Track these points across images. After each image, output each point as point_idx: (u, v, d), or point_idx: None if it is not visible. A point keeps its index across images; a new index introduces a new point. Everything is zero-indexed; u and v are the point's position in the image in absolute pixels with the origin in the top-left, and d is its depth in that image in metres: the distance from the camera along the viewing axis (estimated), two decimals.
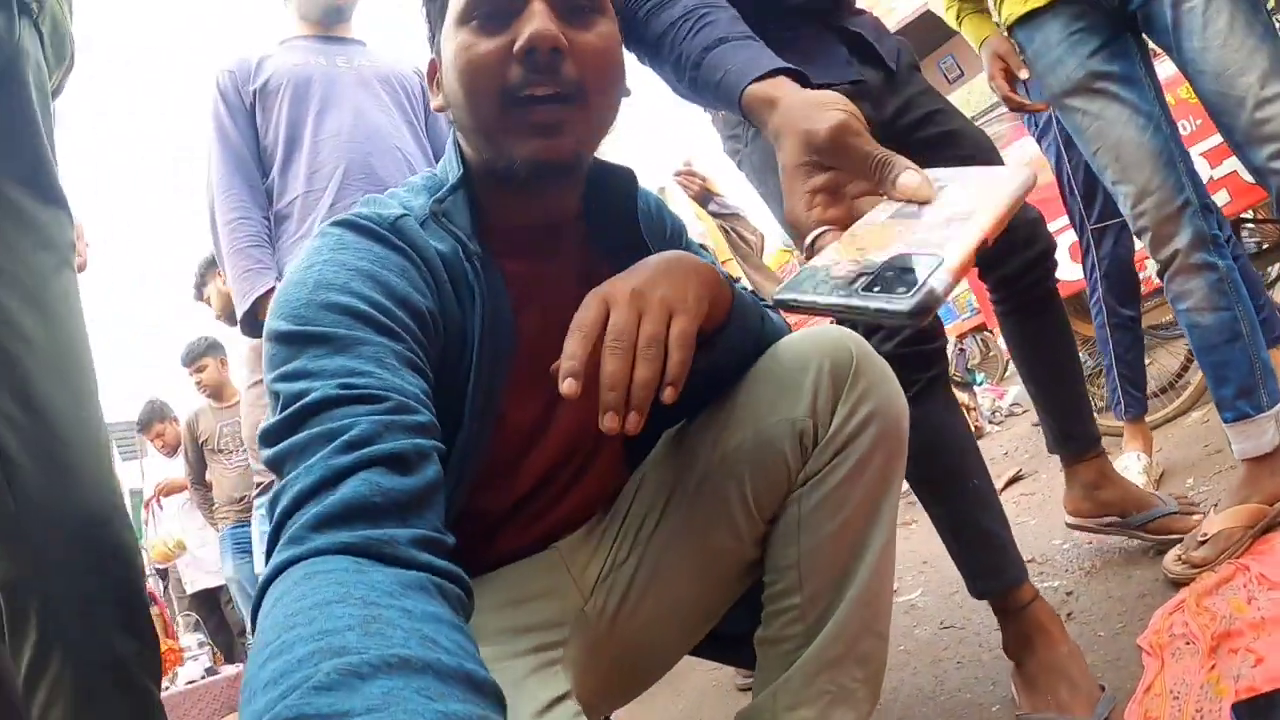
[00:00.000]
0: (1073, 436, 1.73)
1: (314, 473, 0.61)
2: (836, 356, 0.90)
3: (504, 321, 0.89)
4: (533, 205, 0.93)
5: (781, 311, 0.96)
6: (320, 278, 0.77)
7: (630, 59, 1.05)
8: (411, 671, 0.46)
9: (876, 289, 0.60)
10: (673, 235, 1.10)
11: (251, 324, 1.94)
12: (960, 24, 2.04)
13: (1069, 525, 1.84)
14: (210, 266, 3.52)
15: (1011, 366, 4.72)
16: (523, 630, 0.92)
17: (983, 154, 1.52)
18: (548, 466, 0.98)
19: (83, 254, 1.09)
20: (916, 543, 2.69)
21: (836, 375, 0.90)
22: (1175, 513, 1.69)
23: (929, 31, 4.68)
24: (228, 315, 3.47)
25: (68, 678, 0.94)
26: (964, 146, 1.51)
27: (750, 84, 0.93)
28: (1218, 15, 1.45)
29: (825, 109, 0.80)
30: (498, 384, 0.88)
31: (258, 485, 3.46)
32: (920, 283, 0.58)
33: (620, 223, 1.00)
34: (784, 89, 0.89)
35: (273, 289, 1.87)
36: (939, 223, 0.66)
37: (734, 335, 0.91)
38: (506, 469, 0.94)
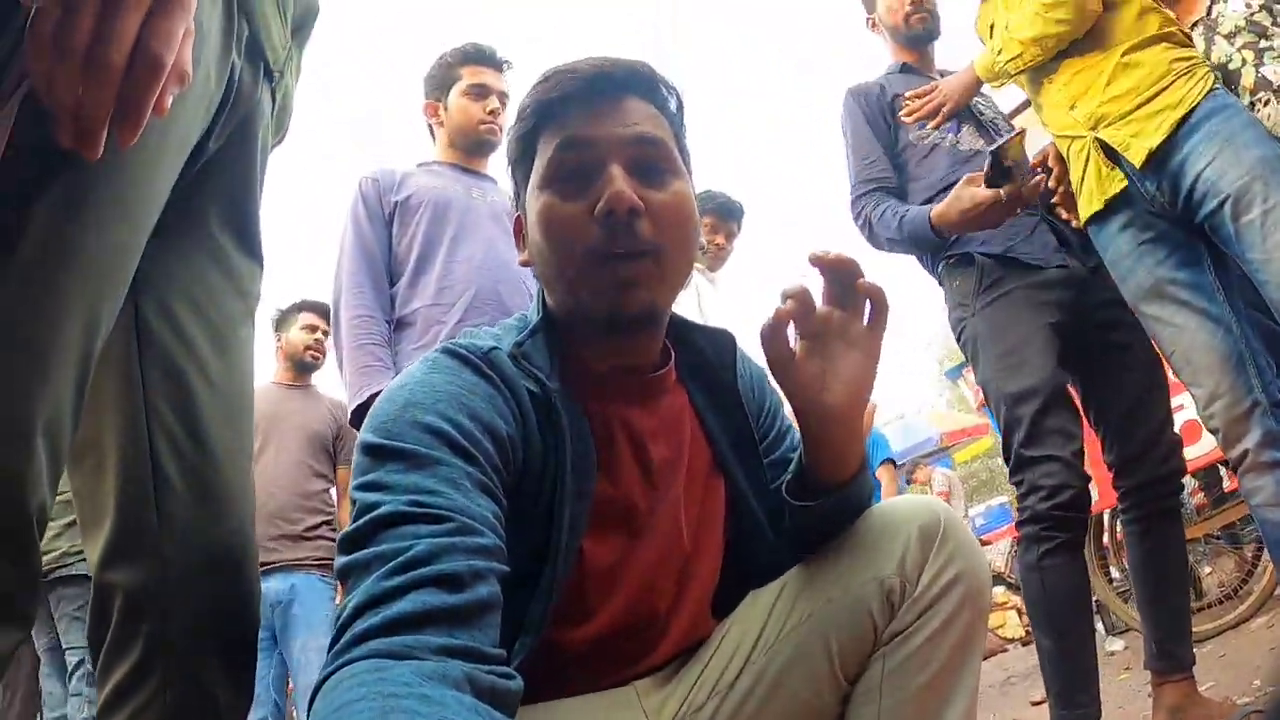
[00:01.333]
0: (1171, 655, 1.83)
1: (368, 591, 0.66)
2: (925, 520, 0.92)
3: (587, 460, 0.92)
4: (611, 351, 0.98)
5: None
6: (410, 397, 0.82)
7: None
8: None
9: None
10: (770, 412, 1.13)
11: (361, 418, 2.02)
12: None
13: None
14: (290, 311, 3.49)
15: None
16: None
17: (1147, 369, 1.90)
18: (626, 608, 0.96)
19: None
20: None
21: (925, 536, 0.91)
22: (1259, 711, 1.70)
23: None
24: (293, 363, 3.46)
25: (153, 709, 0.92)
26: (1135, 358, 1.90)
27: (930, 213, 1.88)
28: (1275, 228, 1.53)
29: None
30: (580, 522, 0.91)
31: None
32: None
33: (715, 381, 1.06)
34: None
35: None
36: None
37: (853, 492, 0.96)
38: (583, 606, 0.94)
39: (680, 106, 1.02)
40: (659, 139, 0.95)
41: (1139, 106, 1.72)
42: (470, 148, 2.33)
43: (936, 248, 2.00)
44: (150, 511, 0.91)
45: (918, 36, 2.26)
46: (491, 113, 2.29)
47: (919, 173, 2.10)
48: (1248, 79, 1.79)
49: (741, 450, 1.05)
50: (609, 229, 0.88)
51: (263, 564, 3.04)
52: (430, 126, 2.40)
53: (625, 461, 0.97)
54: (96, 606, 0.94)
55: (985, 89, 2.19)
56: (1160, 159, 1.70)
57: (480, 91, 2.30)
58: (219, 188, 0.99)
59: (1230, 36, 1.83)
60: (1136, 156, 1.70)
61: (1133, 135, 1.71)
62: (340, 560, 0.72)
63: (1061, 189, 1.94)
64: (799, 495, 0.98)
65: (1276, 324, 1.70)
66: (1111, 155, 1.77)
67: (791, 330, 0.92)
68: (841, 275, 0.91)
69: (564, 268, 0.92)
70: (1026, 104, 2.45)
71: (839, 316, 0.93)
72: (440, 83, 2.35)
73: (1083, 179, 1.83)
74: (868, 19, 2.38)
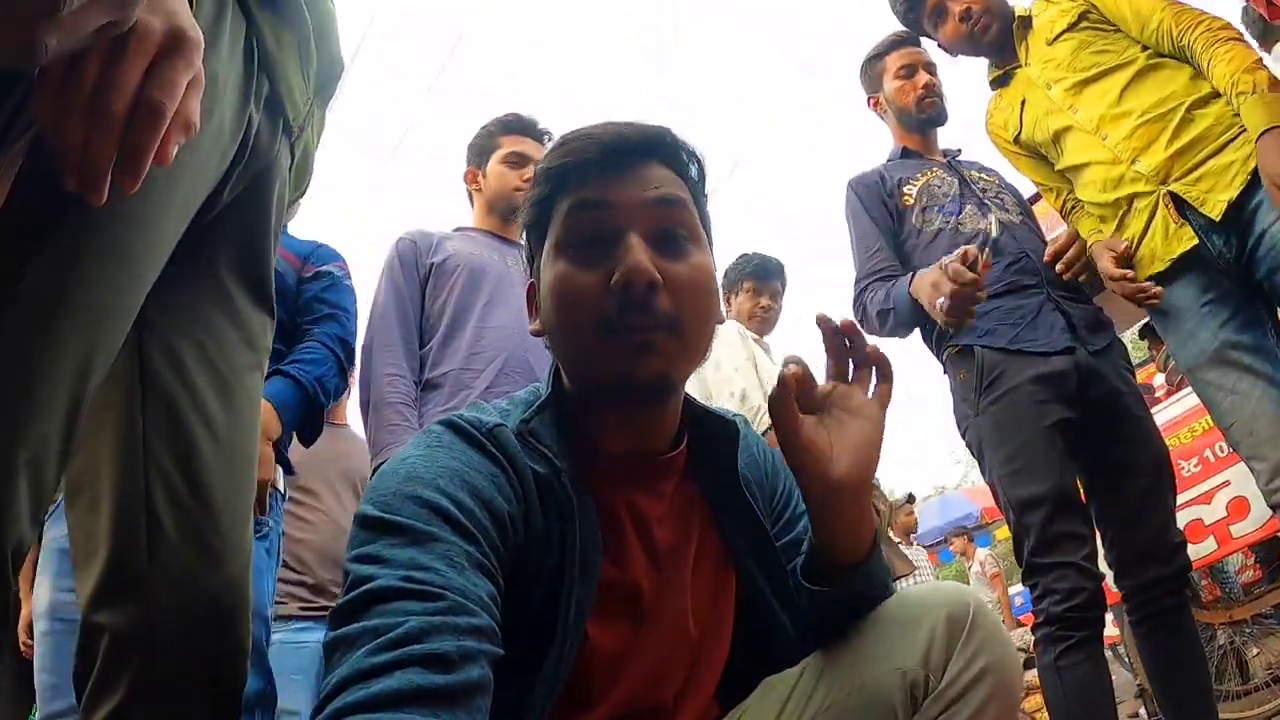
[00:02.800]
0: None
1: (354, 666, 0.65)
2: (953, 608, 0.87)
3: (593, 543, 0.89)
4: (623, 426, 0.95)
5: None
6: (411, 471, 0.81)
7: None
8: None
9: None
10: (784, 495, 1.10)
11: None
12: (1068, 219, 2.10)
13: None
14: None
15: None
16: None
17: (1152, 468, 1.86)
18: (631, 695, 0.93)
19: None
20: None
21: (952, 626, 0.85)
22: None
23: None
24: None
25: None
26: (1143, 456, 1.87)
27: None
28: None
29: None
30: (585, 605, 0.88)
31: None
32: None
33: (722, 470, 1.02)
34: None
35: None
36: None
37: (868, 574, 0.92)
38: (586, 693, 0.91)
39: (701, 173, 0.99)
40: (680, 204, 0.92)
41: (1209, 158, 1.68)
42: (505, 213, 2.37)
43: (916, 315, 1.99)
44: (141, 555, 0.90)
45: (927, 120, 2.30)
46: (527, 180, 2.32)
47: (924, 259, 2.08)
48: None
49: (753, 539, 1.02)
50: (625, 302, 0.86)
51: (324, 608, 2.97)
52: (469, 193, 2.45)
53: (630, 545, 0.94)
54: (82, 646, 0.92)
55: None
56: (1235, 212, 1.65)
57: (518, 160, 2.36)
58: (231, 238, 1.00)
59: None
60: (1214, 210, 1.65)
61: (1208, 190, 1.66)
62: (330, 634, 0.70)
63: (1080, 277, 1.98)
64: (813, 579, 0.94)
65: None
66: (1181, 210, 1.71)
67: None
68: (852, 340, 0.92)
69: (576, 340, 0.90)
70: (1036, 198, 2.44)
71: (841, 390, 0.92)
72: (481, 151, 2.40)
73: (1142, 237, 1.77)
74: (869, 99, 2.39)
